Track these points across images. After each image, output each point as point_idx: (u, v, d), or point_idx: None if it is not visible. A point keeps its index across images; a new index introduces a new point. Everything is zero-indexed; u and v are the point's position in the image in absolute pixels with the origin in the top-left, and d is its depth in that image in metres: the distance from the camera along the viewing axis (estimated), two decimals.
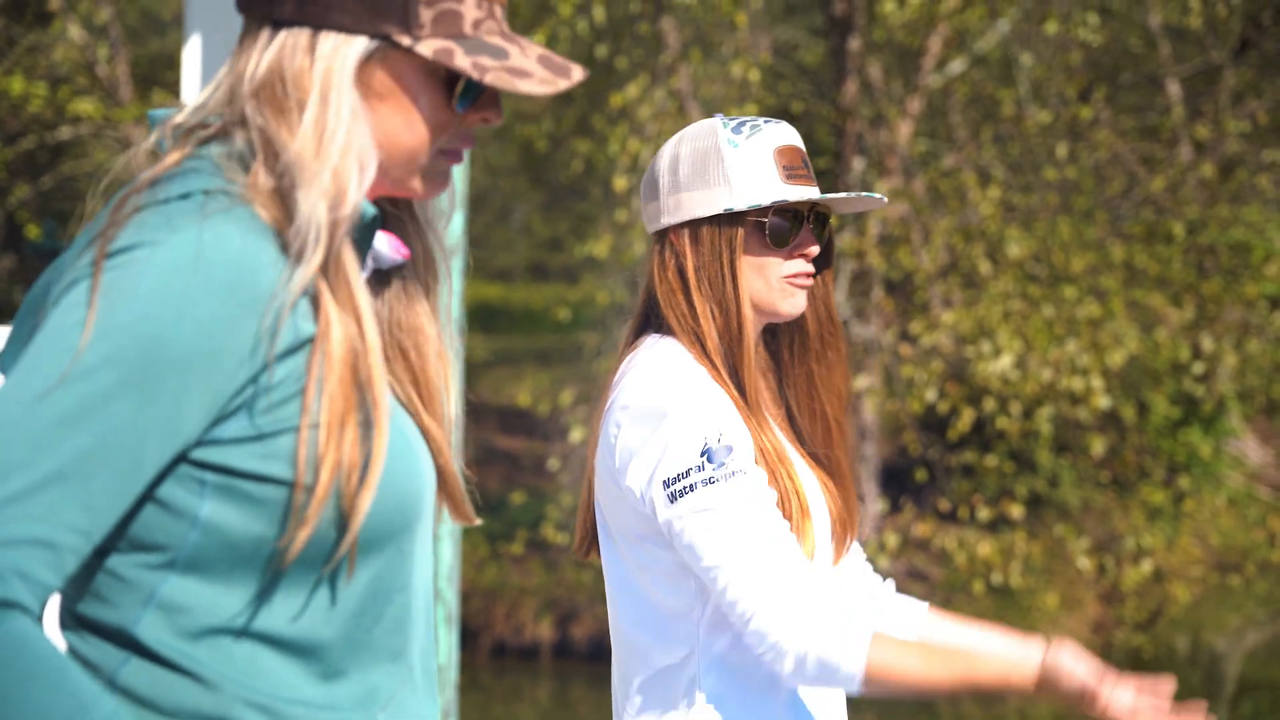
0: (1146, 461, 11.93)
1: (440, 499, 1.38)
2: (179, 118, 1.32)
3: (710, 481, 1.78)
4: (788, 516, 1.83)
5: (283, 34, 1.29)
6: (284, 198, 1.27)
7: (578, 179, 13.08)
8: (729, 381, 1.86)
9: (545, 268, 20.18)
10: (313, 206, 1.26)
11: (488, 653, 10.52)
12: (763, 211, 1.88)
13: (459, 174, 3.83)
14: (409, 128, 1.31)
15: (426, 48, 1.28)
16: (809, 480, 1.91)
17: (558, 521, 10.81)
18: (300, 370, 1.25)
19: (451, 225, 4.01)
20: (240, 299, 1.23)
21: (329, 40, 1.28)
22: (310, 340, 1.26)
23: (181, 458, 1.25)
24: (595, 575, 10.68)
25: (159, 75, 13.55)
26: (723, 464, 1.79)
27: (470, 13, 1.30)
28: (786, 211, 1.89)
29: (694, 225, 1.89)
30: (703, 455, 1.79)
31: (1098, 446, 10.43)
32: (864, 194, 1.93)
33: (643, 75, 10.74)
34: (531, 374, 15.43)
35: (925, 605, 2.06)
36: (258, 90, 1.28)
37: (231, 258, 1.23)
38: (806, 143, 1.98)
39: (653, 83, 10.80)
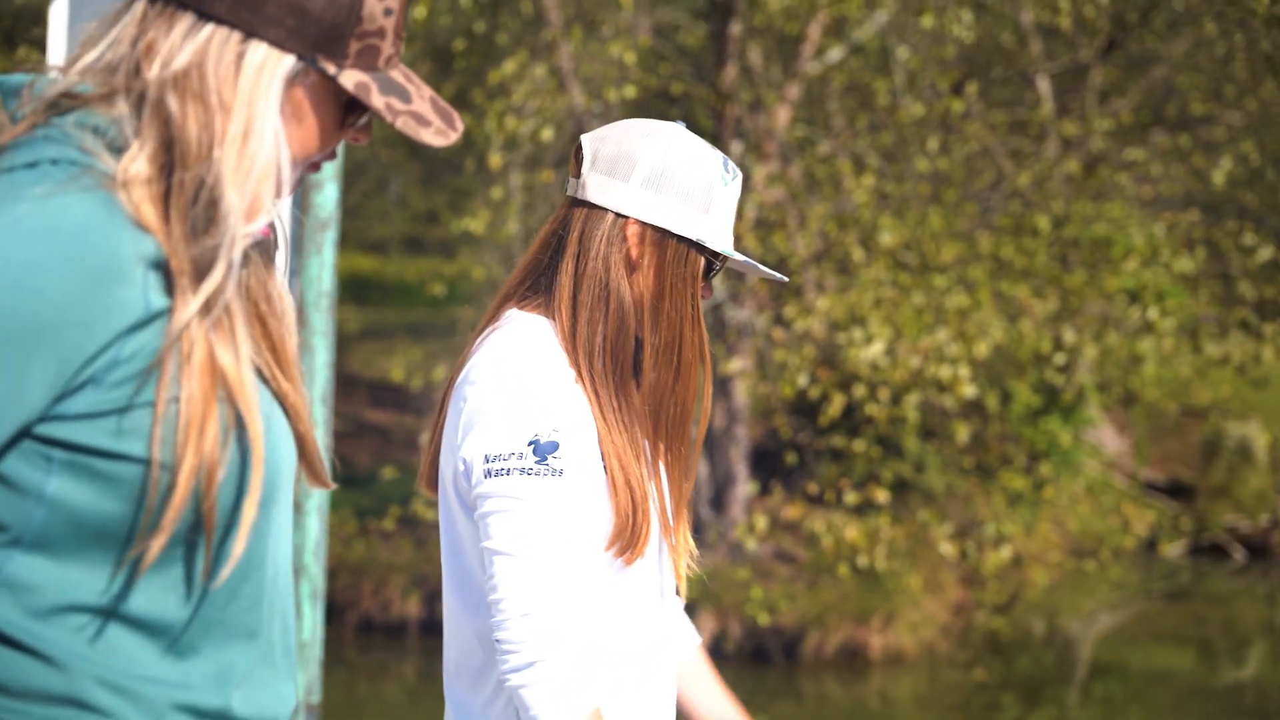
0: (1009, 449, 12.21)
1: (299, 466, 1.37)
2: (55, 85, 1.28)
3: (526, 472, 1.79)
4: (622, 512, 1.84)
5: (210, 28, 1.26)
6: (175, 193, 1.24)
7: (455, 153, 12.98)
8: (590, 376, 1.86)
9: (421, 241, 20.00)
10: (233, 216, 1.24)
11: (354, 629, 10.43)
12: (717, 255, 1.92)
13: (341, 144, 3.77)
14: (303, 145, 1.32)
15: (349, 79, 1.30)
16: (650, 483, 1.91)
17: (428, 497, 10.74)
18: (152, 345, 1.23)
19: (325, 196, 3.94)
20: (85, 270, 1.20)
21: (258, 51, 1.27)
22: (161, 314, 1.23)
23: (25, 433, 1.22)
24: None
25: (23, 30, 13.12)
26: (544, 459, 1.79)
27: (386, 49, 1.32)
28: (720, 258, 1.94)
29: (662, 232, 1.88)
30: (529, 444, 1.80)
31: (962, 433, 10.65)
32: (772, 271, 1.96)
33: (521, 51, 10.68)
34: (404, 348, 15.29)
35: (698, 642, 2.15)
36: (174, 79, 1.25)
37: (77, 228, 1.20)
38: (686, 126, 1.99)
39: (532, 59, 10.75)
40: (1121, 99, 13.97)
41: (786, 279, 2.04)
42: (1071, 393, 12.36)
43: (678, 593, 2.02)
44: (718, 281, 11.46)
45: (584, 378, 1.85)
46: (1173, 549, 15.19)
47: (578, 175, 1.91)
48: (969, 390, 10.01)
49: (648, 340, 1.88)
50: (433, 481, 1.94)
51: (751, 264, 1.95)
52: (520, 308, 1.90)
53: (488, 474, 1.79)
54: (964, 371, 9.95)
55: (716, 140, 11.22)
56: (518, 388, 1.81)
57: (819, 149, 11.54)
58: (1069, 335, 11.31)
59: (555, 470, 1.79)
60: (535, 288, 1.90)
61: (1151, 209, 13.25)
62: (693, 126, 12.44)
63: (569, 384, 1.84)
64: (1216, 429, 15.80)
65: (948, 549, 10.53)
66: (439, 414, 1.93)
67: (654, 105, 12.51)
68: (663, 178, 1.88)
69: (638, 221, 1.88)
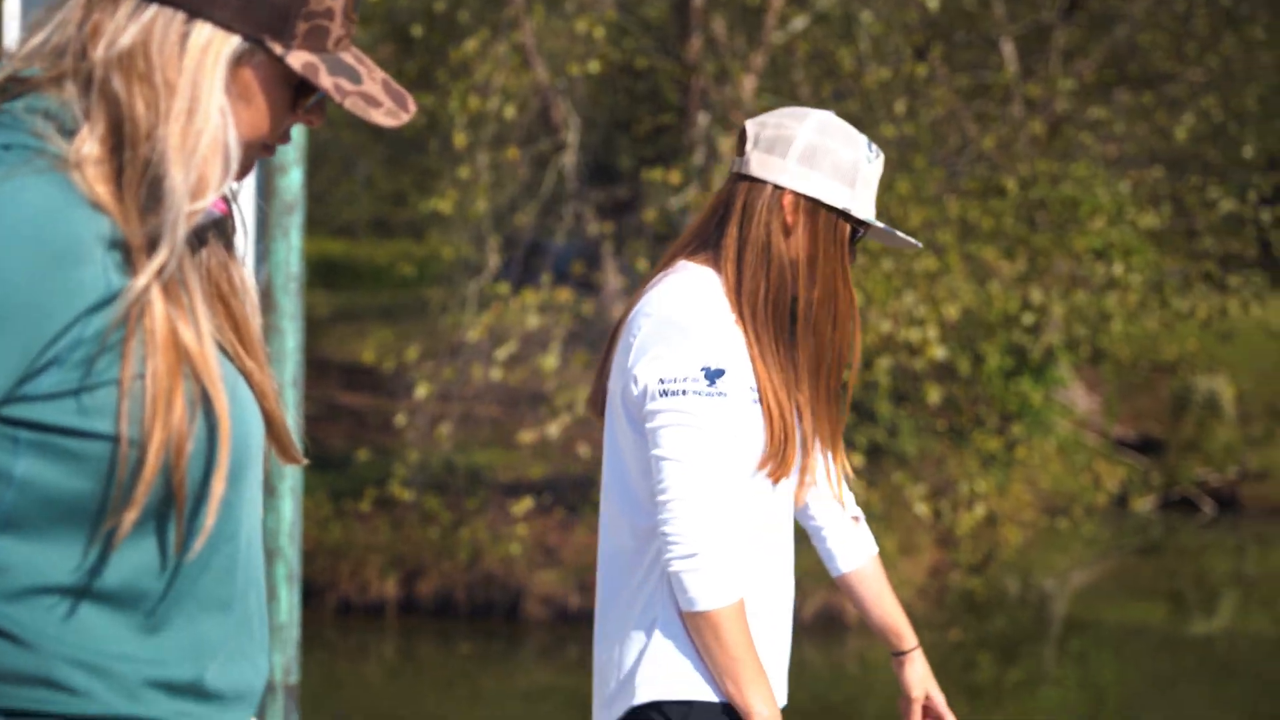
0: (981, 410, 12.28)
1: (269, 443, 1.39)
2: (2, 71, 1.29)
3: (698, 393, 2.09)
4: (775, 439, 2.14)
5: (154, 8, 1.27)
6: (127, 172, 1.26)
7: (420, 133, 12.94)
8: (753, 323, 2.16)
9: (389, 223, 19.94)
10: (177, 193, 1.25)
11: (333, 611, 10.44)
12: (862, 224, 2.23)
13: (298, 129, 3.78)
14: (252, 127, 1.32)
15: (296, 60, 1.30)
16: (796, 417, 2.21)
17: (404, 478, 10.74)
18: (114, 323, 1.24)
19: (290, 180, 3.94)
20: (45, 252, 1.22)
21: (203, 31, 1.28)
22: (122, 293, 1.25)
23: None
24: (441, 532, 10.65)
25: None
26: (713, 383, 2.10)
27: (336, 30, 1.32)
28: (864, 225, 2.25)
29: (814, 203, 2.19)
30: (701, 370, 2.10)
31: (934, 396, 10.71)
32: (912, 239, 2.28)
33: (483, 30, 10.65)
34: (376, 330, 15.26)
35: (874, 552, 2.44)
36: (119, 59, 1.26)
37: (33, 211, 1.22)
38: (652, 99, 2.13)
39: (494, 37, 10.72)
40: (1085, 59, 14.01)
41: (920, 245, 2.30)
42: (1040, 352, 12.44)
43: (856, 504, 2.41)
44: None
45: (747, 324, 2.16)
46: (1143, 504, 15.32)
47: (741, 154, 2.22)
48: (939, 352, 10.07)
49: (803, 296, 2.19)
50: (598, 406, 2.25)
51: (890, 232, 2.24)
52: (690, 260, 2.21)
53: (662, 393, 2.10)
54: (933, 333, 10.01)
55: (683, 112, 11.22)
56: (691, 322, 2.12)
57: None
58: (1037, 295, 11.37)
59: (721, 393, 2.10)
60: (702, 247, 2.22)
61: (1117, 167, 13.31)
62: (659, 99, 12.43)
63: (730, 325, 2.15)
64: (1184, 384, 15.93)
65: (922, 510, 10.60)
66: (609, 347, 2.22)
67: (619, 79, 12.49)
68: (815, 155, 2.18)
69: (793, 193, 2.18)
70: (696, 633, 2.10)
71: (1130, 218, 11.79)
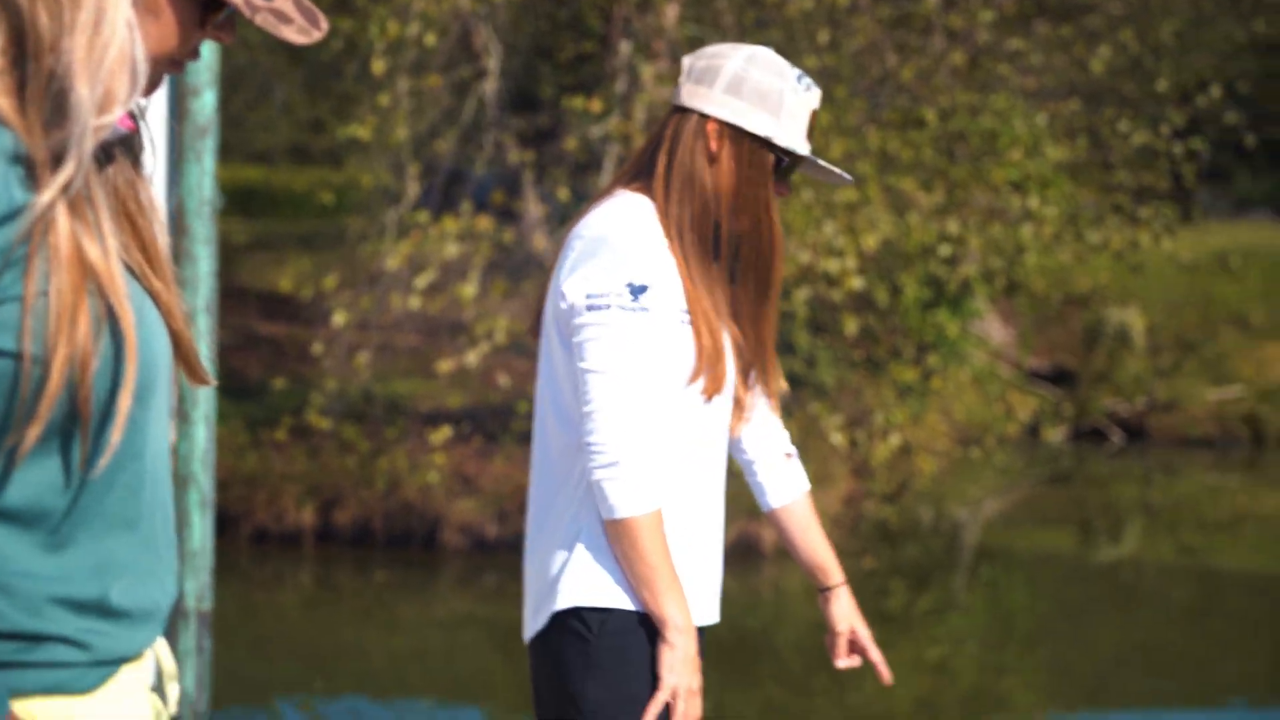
0: (898, 341, 12.42)
1: (177, 364, 1.38)
2: None
3: (622, 308, 2.17)
4: (706, 354, 2.22)
5: None
6: (30, 85, 1.23)
7: (339, 58, 12.74)
8: (681, 246, 2.23)
9: (307, 150, 19.67)
10: (84, 106, 1.23)
11: (248, 539, 10.40)
12: (787, 153, 2.28)
13: (211, 50, 3.71)
14: (159, 41, 1.31)
15: None
16: (726, 339, 2.28)
17: (321, 407, 10.68)
18: (17, 238, 1.23)
19: (203, 102, 3.87)
20: None
21: None
22: (25, 209, 1.23)
23: None
24: (359, 460, 10.61)
25: None
26: (637, 298, 2.17)
27: None
28: (791, 156, 2.30)
29: (738, 131, 2.26)
30: (626, 285, 2.17)
31: (852, 327, 10.80)
32: (842, 173, 2.35)
33: None
34: (294, 259, 15.10)
35: (806, 489, 2.49)
36: None
37: None
38: (574, 27, 2.14)
39: None
40: None
41: (850, 179, 2.35)
42: (956, 284, 12.59)
43: (791, 441, 2.48)
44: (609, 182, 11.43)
45: (675, 247, 2.23)
46: (1055, 434, 15.63)
47: (678, 86, 2.31)
48: (857, 282, 10.15)
49: (726, 223, 2.26)
50: (536, 330, 2.32)
51: (817, 163, 2.31)
52: (627, 188, 2.29)
53: (589, 308, 2.17)
54: (851, 264, 10.08)
55: (605, 40, 11.13)
56: (619, 240, 2.20)
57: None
58: (954, 226, 11.48)
59: (644, 308, 2.17)
60: (638, 175, 2.30)
61: (1035, 100, 13.43)
62: (581, 27, 12.31)
63: (661, 248, 2.22)
64: (1097, 316, 16.21)
65: (838, 439, 10.72)
66: (550, 273, 2.28)
67: (541, 6, 12.36)
68: (741, 85, 2.26)
69: (717, 120, 2.26)
70: (615, 541, 2.17)
71: (1046, 150, 11.90)
